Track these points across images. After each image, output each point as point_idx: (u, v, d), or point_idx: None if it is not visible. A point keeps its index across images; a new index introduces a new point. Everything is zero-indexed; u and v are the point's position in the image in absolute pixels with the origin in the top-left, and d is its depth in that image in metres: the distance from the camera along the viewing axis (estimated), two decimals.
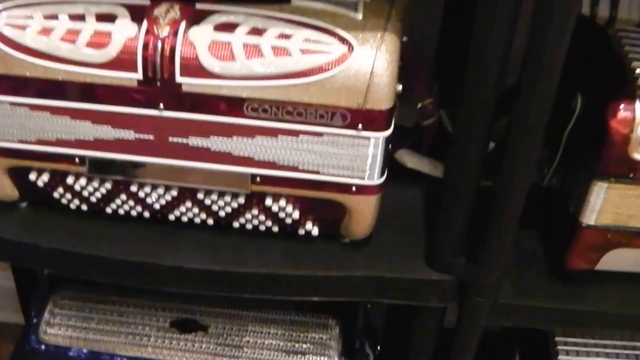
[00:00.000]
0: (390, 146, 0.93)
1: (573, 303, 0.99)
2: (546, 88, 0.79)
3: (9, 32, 0.87)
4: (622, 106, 0.87)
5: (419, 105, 1.00)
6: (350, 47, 0.83)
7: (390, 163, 0.97)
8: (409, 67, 0.94)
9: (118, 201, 0.98)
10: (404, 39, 0.90)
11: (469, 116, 0.85)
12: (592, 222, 0.94)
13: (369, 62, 0.83)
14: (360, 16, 0.86)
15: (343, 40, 0.84)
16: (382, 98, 0.84)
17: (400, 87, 0.87)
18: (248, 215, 0.96)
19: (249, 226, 0.98)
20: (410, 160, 1.05)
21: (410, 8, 0.97)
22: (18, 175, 0.97)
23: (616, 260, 0.97)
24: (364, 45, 0.83)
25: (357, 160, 0.89)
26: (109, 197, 0.97)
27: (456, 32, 0.91)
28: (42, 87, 0.88)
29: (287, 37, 0.84)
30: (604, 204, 0.92)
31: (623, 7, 0.98)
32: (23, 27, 0.87)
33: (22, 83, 0.88)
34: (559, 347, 1.14)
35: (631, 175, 0.90)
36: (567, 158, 0.98)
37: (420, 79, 0.99)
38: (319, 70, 0.83)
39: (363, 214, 0.94)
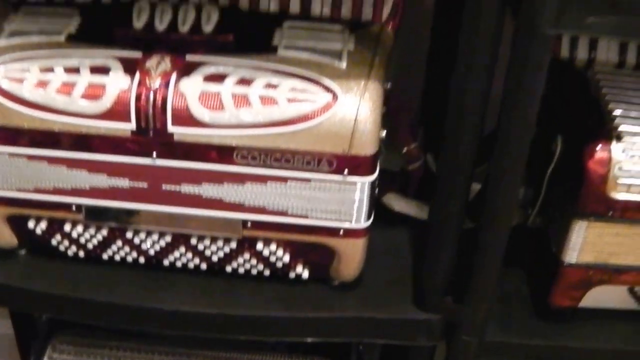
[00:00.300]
0: (377, 190, 0.95)
1: (558, 340, 1.02)
2: (522, 134, 0.82)
3: (6, 85, 0.89)
4: (599, 147, 0.90)
5: (404, 149, 1.03)
6: (335, 95, 0.87)
7: (378, 207, 1.00)
8: (393, 112, 0.97)
9: (114, 247, 1.00)
10: (388, 85, 0.94)
11: (451, 161, 0.88)
12: (573, 261, 0.96)
13: (353, 109, 0.86)
14: (344, 65, 0.90)
15: (328, 89, 0.87)
16: (367, 144, 0.87)
17: (384, 133, 0.90)
18: (240, 260, 0.99)
19: (241, 270, 1.00)
20: (397, 204, 1.08)
21: (395, 54, 1.00)
22: (17, 223, 0.99)
23: (599, 297, 1.00)
24: (347, 93, 0.87)
25: (344, 204, 0.91)
26: (105, 244, 1.00)
27: (440, 77, 0.94)
28: (39, 138, 0.90)
29: (274, 86, 0.87)
30: (584, 242, 0.95)
31: (601, 50, 1.01)
32: (20, 80, 0.89)
33: (19, 134, 0.90)
34: None
35: (610, 214, 0.92)
36: (549, 198, 1.00)
37: (405, 124, 1.02)
38: (305, 118, 0.86)
39: (351, 257, 0.97)
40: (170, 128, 0.88)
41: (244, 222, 0.94)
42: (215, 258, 0.99)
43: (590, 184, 0.91)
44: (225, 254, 0.98)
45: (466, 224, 0.97)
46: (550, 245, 0.99)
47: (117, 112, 0.88)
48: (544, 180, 0.99)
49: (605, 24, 0.79)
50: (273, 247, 0.96)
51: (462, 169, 0.87)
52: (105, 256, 1.01)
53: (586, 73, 1.00)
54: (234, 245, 0.97)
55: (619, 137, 0.91)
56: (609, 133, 0.91)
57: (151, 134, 0.89)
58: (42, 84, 0.89)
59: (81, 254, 1.01)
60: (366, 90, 0.87)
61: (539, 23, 0.76)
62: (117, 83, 0.88)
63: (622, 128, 0.91)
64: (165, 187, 0.92)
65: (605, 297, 1.00)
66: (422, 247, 1.00)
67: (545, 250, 1.01)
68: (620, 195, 0.91)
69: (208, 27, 0.94)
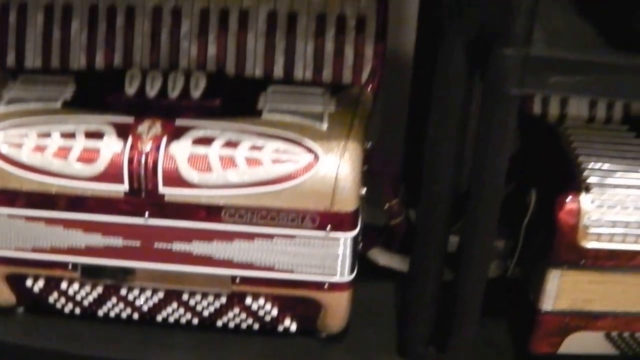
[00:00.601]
0: (360, 245, 0.99)
1: None
2: (492, 190, 0.86)
3: (6, 150, 0.93)
4: (569, 199, 0.94)
5: (386, 205, 1.06)
6: (316, 156, 0.91)
7: (364, 261, 1.04)
8: (375, 170, 1.02)
9: (109, 304, 1.03)
10: (368, 145, 0.98)
11: (427, 218, 0.92)
12: (549, 308, 0.99)
13: (334, 169, 0.90)
14: (325, 127, 0.95)
15: (309, 150, 0.91)
16: (347, 201, 0.91)
17: (364, 190, 0.95)
18: (230, 314, 1.02)
19: (231, 324, 1.03)
20: (382, 258, 1.12)
21: (375, 115, 1.05)
22: (15, 282, 1.02)
23: (578, 343, 1.02)
24: (328, 154, 0.91)
25: (328, 259, 0.95)
26: (100, 301, 1.02)
27: (419, 136, 0.99)
28: (37, 200, 0.94)
29: (258, 148, 0.92)
30: (560, 290, 0.98)
31: (572, 106, 1.06)
32: (19, 145, 0.93)
33: (18, 196, 0.94)
34: None
35: (582, 262, 0.96)
36: (526, 250, 1.04)
37: (387, 181, 1.05)
38: (289, 178, 0.90)
39: (337, 309, 1.00)
40: (161, 189, 0.92)
41: (233, 278, 0.97)
42: (206, 313, 1.02)
43: (562, 234, 0.94)
44: (215, 309, 1.01)
45: (448, 275, 1.01)
46: (529, 294, 1.03)
47: (110, 174, 0.92)
48: (520, 232, 1.04)
49: (567, 83, 0.83)
50: (261, 301, 1.00)
51: (439, 225, 0.91)
52: (100, 313, 1.04)
53: (558, 128, 1.05)
54: (224, 300, 1.00)
55: (587, 189, 0.95)
56: (578, 185, 0.95)
57: (143, 195, 0.92)
58: (40, 148, 0.93)
59: (77, 311, 1.04)
60: (346, 150, 0.91)
61: (504, 84, 0.81)
62: (111, 147, 0.92)
63: (591, 180, 0.96)
64: (158, 245, 0.96)
65: (583, 343, 1.03)
66: (405, 299, 1.03)
67: (524, 299, 1.04)
68: (591, 244, 0.95)
69: (196, 93, 0.98)
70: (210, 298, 1.00)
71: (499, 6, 0.79)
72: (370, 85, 1.04)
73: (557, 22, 0.90)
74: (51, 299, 1.03)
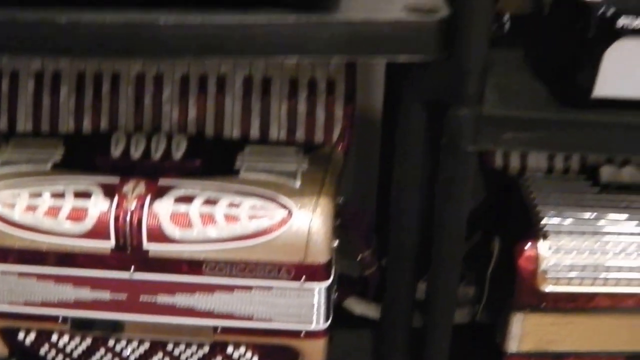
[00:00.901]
0: (336, 294, 1.04)
1: None
2: (453, 241, 0.92)
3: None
4: (528, 245, 1.00)
5: (360, 256, 1.11)
6: (290, 212, 0.95)
7: (341, 309, 1.08)
8: (348, 223, 1.07)
9: (98, 355, 1.05)
10: (340, 200, 1.04)
11: (395, 267, 0.97)
12: (515, 350, 1.04)
13: (306, 223, 0.95)
14: (298, 184, 0.99)
15: (284, 206, 0.96)
16: (320, 253, 0.95)
17: (336, 243, 0.99)
18: None
19: None
20: (358, 307, 1.17)
21: (351, 170, 1.11)
22: (8, 335, 1.04)
23: None
24: (301, 209, 0.96)
25: (304, 308, 0.98)
26: (89, 352, 1.05)
27: (389, 189, 1.04)
28: (29, 256, 0.97)
29: (236, 205, 0.96)
30: (523, 332, 1.03)
31: (532, 158, 1.11)
32: (12, 205, 0.96)
33: (11, 253, 0.97)
34: None
35: (543, 305, 1.01)
36: (492, 295, 1.09)
37: (360, 233, 1.10)
38: (264, 232, 0.95)
39: (314, 357, 1.03)
40: (146, 245, 0.95)
41: (215, 328, 1.01)
42: None
43: (522, 280, 1.00)
44: (199, 358, 1.04)
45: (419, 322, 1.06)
46: (496, 338, 1.08)
47: (98, 231, 0.95)
48: (486, 278, 1.09)
49: (520, 139, 0.90)
50: (242, 350, 1.03)
51: (406, 274, 0.96)
52: None
53: (518, 180, 1.10)
54: (207, 349, 1.03)
55: (545, 236, 1.00)
56: (536, 233, 1.01)
57: (129, 251, 0.96)
58: (31, 208, 0.96)
59: None
60: (318, 205, 0.96)
61: (460, 142, 0.87)
62: (98, 206, 0.96)
63: (548, 227, 1.01)
64: (143, 298, 0.99)
65: None
66: (378, 346, 1.07)
67: (491, 343, 1.09)
68: (550, 288, 1.00)
69: (178, 154, 1.03)
70: (194, 348, 1.04)
71: (452, 70, 0.86)
72: (341, 144, 1.09)
73: (509, 82, 0.97)
74: (42, 351, 1.05)
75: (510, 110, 0.90)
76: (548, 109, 0.91)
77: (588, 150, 1.01)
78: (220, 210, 0.96)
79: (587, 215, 1.04)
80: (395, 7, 0.86)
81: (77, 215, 0.96)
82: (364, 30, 0.84)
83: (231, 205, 0.96)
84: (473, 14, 0.84)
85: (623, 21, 0.87)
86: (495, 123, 0.88)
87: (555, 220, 1.03)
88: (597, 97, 0.90)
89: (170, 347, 1.04)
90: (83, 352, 1.06)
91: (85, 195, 0.98)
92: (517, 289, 1.01)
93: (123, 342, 1.05)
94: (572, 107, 0.91)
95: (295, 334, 1.01)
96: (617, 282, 1.01)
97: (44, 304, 1.00)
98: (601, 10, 0.86)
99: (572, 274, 1.00)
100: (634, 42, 0.88)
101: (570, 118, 0.90)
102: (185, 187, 0.98)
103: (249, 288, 0.98)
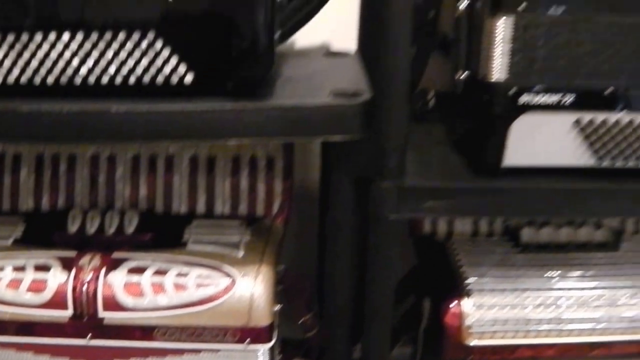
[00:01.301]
0: (280, 356, 1.10)
1: None
2: (382, 305, 0.99)
3: None
4: (453, 304, 1.08)
5: (301, 320, 1.17)
6: (234, 279, 1.02)
7: None
8: (290, 289, 1.14)
9: None
10: (281, 267, 1.11)
11: (330, 332, 1.04)
12: None
13: (249, 290, 1.02)
14: (241, 254, 1.06)
15: (228, 274, 1.03)
16: (262, 317, 1.02)
17: (278, 307, 1.06)
18: None
19: None
20: None
21: (293, 239, 1.19)
22: None
23: None
24: (244, 277, 1.03)
25: None
26: None
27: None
28: None
29: (184, 275, 1.03)
30: None
31: (458, 223, 1.21)
32: None
33: None
34: None
35: (469, 358, 1.08)
36: (426, 353, 1.17)
37: (301, 298, 1.17)
38: (210, 299, 1.01)
39: None
40: (101, 313, 1.01)
41: None
42: None
43: (449, 336, 1.08)
44: None
45: None
46: None
47: (56, 302, 1.01)
48: (419, 337, 1.16)
49: (439, 207, 0.99)
50: None
51: (341, 339, 1.03)
52: None
53: (446, 244, 1.19)
54: None
55: (469, 294, 1.09)
56: (461, 292, 1.09)
57: (85, 319, 1.01)
58: None
59: None
60: (259, 273, 1.03)
61: (383, 211, 0.96)
62: (57, 278, 1.02)
63: (472, 286, 1.10)
64: None
65: None
66: None
67: None
68: (475, 342, 1.08)
69: (130, 229, 1.10)
70: None
71: (375, 147, 0.96)
72: (280, 217, 1.16)
73: (430, 155, 1.07)
74: None
75: (429, 181, 1.00)
76: (464, 179, 1.01)
77: (501, 214, 1.11)
78: (169, 279, 1.03)
79: (509, 273, 1.13)
80: (323, 93, 0.97)
81: (37, 287, 1.02)
82: (294, 114, 0.93)
83: (180, 275, 1.03)
84: (391, 97, 0.95)
85: (525, 98, 0.98)
86: (415, 193, 0.98)
87: (479, 280, 1.11)
88: (507, 166, 1.01)
89: None
90: None
91: (45, 268, 1.03)
92: (444, 345, 1.09)
93: None
94: (485, 176, 1.01)
95: None
96: (538, 333, 1.09)
97: None
98: (505, 89, 0.97)
99: (495, 328, 1.08)
100: (536, 117, 0.99)
101: (483, 186, 1.00)
102: (138, 259, 1.05)
103: (198, 351, 1.04)
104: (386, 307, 1.02)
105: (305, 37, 1.21)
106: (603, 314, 1.11)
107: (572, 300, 1.11)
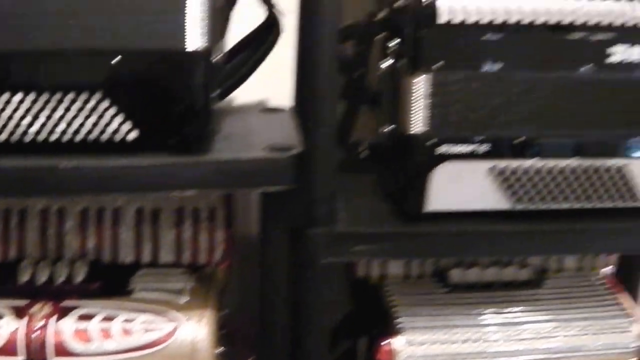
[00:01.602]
0: None
1: None
2: (313, 346, 1.06)
3: None
4: (385, 342, 1.15)
5: None
6: (177, 324, 1.08)
7: None
8: (233, 332, 1.19)
9: None
10: (225, 312, 1.17)
11: None
12: None
13: (192, 334, 1.08)
14: (185, 300, 1.12)
15: (172, 319, 1.09)
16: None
17: (221, 350, 1.12)
18: None
19: None
20: None
21: (237, 285, 1.24)
22: None
23: None
24: (188, 321, 1.09)
25: None
26: None
27: None
28: None
29: (130, 321, 1.08)
30: None
31: (392, 266, 1.27)
32: None
33: None
34: None
35: None
36: None
37: (244, 341, 1.23)
38: (155, 344, 1.07)
39: None
40: (52, 359, 1.06)
41: None
42: None
43: None
44: None
45: None
46: None
47: (8, 349, 1.05)
48: None
49: (368, 251, 1.07)
50: None
51: None
52: None
53: (379, 286, 1.25)
54: None
55: (400, 332, 1.15)
56: (393, 330, 1.16)
57: None
58: None
59: None
60: (202, 318, 1.09)
61: (314, 256, 1.03)
62: (9, 326, 1.06)
63: (403, 325, 1.17)
64: None
65: None
66: None
67: None
68: None
69: (79, 278, 1.14)
70: None
71: (305, 196, 1.03)
72: (223, 263, 1.21)
73: (361, 202, 1.15)
74: None
75: (358, 227, 1.08)
76: (391, 224, 1.09)
77: (425, 256, 1.19)
78: (116, 325, 1.08)
79: (438, 312, 1.20)
80: (259, 147, 1.04)
81: None
82: (232, 167, 1.01)
83: (126, 320, 1.09)
84: (319, 150, 1.02)
85: (443, 149, 1.06)
86: (345, 239, 1.05)
87: (411, 319, 1.18)
88: (429, 212, 1.09)
89: None
90: None
91: None
92: None
93: None
94: (409, 221, 1.09)
95: None
96: None
97: None
98: (424, 141, 1.06)
99: None
100: (454, 165, 1.07)
101: (408, 230, 1.08)
102: (86, 306, 1.10)
103: None
104: (319, 349, 1.08)
105: (244, 94, 1.28)
106: (526, 347, 1.18)
107: (498, 335, 1.19)
